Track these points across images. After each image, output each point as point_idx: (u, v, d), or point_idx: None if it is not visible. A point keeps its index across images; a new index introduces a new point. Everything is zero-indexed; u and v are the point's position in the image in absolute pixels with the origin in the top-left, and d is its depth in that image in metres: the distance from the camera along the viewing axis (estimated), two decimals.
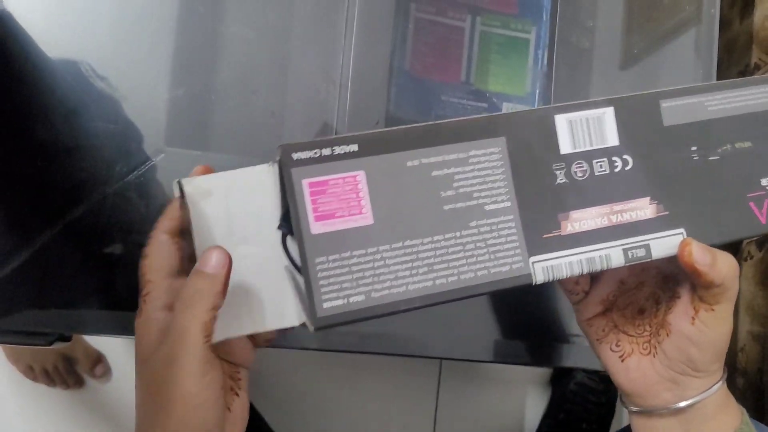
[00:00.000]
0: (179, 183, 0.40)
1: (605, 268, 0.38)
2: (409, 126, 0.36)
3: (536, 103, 0.64)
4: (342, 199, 0.35)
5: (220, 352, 0.40)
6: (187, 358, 0.35)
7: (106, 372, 1.09)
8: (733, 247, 0.88)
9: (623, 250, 0.38)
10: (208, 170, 0.40)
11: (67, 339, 0.58)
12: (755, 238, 0.88)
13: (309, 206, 0.34)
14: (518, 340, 0.61)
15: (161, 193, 0.57)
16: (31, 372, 1.05)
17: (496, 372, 1.18)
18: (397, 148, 0.35)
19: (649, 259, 0.38)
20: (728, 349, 0.93)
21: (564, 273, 0.37)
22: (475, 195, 0.36)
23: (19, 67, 0.55)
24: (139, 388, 0.38)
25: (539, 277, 0.37)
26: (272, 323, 0.39)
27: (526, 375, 1.19)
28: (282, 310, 0.39)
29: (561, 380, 1.13)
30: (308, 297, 0.34)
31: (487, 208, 0.36)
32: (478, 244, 0.36)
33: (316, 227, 0.34)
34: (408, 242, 0.35)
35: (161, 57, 0.57)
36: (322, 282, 0.34)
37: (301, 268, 0.34)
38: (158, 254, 0.40)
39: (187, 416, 0.36)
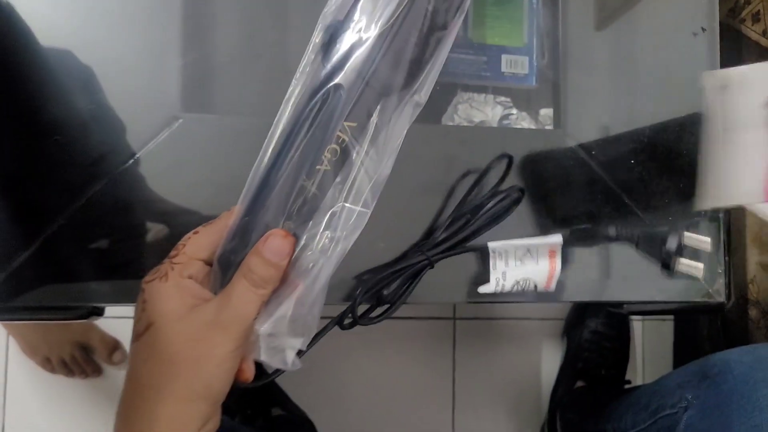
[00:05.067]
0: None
1: None
2: None
3: (534, 55, 0.65)
4: None
5: None
6: (237, 327, 0.38)
7: (124, 359, 1.08)
8: None
9: None
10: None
11: (99, 313, 0.58)
12: None
13: None
14: None
15: (181, 159, 0.57)
16: (48, 364, 1.05)
17: (509, 328, 1.20)
18: None
19: None
20: (738, 280, 0.94)
21: None
22: None
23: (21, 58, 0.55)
24: (150, 344, 0.39)
25: None
26: None
27: (538, 329, 1.20)
28: None
29: (574, 331, 1.15)
30: None
31: None
32: None
33: None
34: None
35: (170, 24, 0.57)
36: None
37: None
38: (209, 237, 0.42)
39: (214, 375, 0.38)
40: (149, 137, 0.57)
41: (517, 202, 0.56)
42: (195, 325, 0.38)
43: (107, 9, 0.57)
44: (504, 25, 0.65)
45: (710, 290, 0.63)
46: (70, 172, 0.56)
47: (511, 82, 0.64)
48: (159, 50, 0.57)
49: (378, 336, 1.17)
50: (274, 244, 0.39)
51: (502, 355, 1.19)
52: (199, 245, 0.42)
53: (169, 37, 0.57)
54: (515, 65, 0.65)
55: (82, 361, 1.06)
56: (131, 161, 0.56)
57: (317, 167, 0.41)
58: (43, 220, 0.55)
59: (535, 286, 0.56)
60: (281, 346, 0.41)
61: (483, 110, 0.64)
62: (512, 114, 0.63)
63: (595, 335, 1.10)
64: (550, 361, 1.20)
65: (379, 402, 1.17)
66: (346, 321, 0.51)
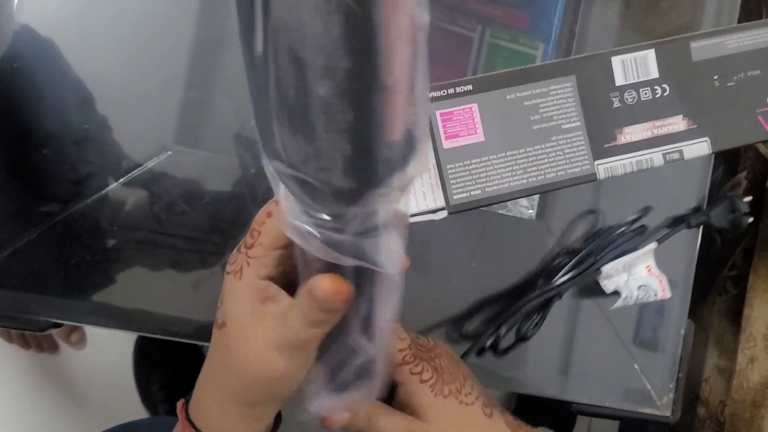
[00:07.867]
0: None
1: (650, 167, 0.50)
2: (508, 70, 0.48)
3: None
4: (462, 124, 0.50)
5: None
6: (294, 353, 0.36)
7: (81, 339, 1.09)
8: (710, 281, 0.91)
9: (662, 154, 0.50)
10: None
11: (58, 326, 0.58)
12: (732, 274, 0.90)
13: (441, 129, 0.49)
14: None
15: (165, 191, 0.57)
16: (6, 333, 1.05)
17: None
18: (499, 86, 0.49)
19: (682, 161, 0.50)
20: (692, 377, 0.95)
21: (619, 172, 0.49)
22: (555, 118, 0.49)
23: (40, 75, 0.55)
24: (221, 343, 0.38)
25: (601, 175, 0.49)
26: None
27: None
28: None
29: None
30: (443, 191, 0.48)
31: (563, 126, 0.49)
32: (558, 153, 0.49)
33: (447, 144, 0.49)
34: (509, 153, 0.49)
35: (178, 58, 0.57)
36: (452, 181, 0.48)
37: (439, 172, 0.48)
38: None
39: (267, 391, 0.37)
40: (136, 164, 0.57)
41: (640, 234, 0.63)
42: (258, 342, 0.36)
43: (120, 34, 0.57)
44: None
45: (659, 403, 0.65)
46: (53, 187, 0.56)
47: None
48: (162, 81, 0.57)
49: None
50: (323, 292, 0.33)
51: None
52: (275, 233, 0.36)
53: (174, 71, 0.57)
54: None
55: (39, 335, 1.06)
56: (114, 185, 0.56)
57: None
58: (18, 229, 0.55)
59: (655, 294, 0.61)
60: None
61: None
62: None
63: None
64: None
65: None
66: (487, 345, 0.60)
